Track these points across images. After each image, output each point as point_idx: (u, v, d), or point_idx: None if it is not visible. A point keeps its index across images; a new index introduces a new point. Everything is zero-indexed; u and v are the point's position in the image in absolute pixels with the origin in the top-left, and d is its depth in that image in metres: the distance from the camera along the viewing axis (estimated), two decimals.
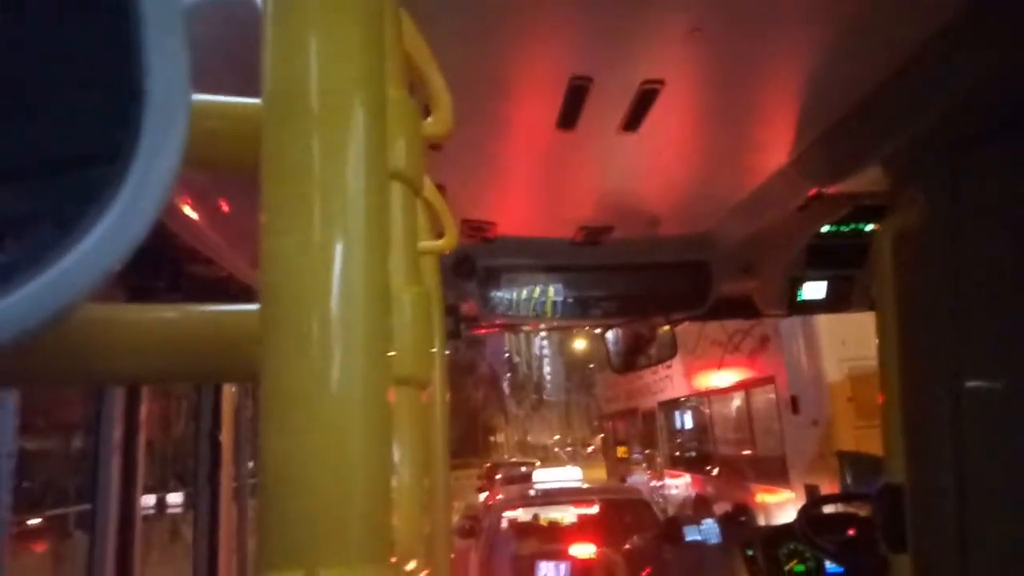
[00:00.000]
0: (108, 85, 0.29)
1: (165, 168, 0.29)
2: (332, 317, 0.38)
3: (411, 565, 0.44)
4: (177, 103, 0.29)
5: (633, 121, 1.54)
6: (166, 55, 0.28)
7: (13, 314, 0.25)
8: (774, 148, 1.78)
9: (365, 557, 0.37)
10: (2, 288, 0.25)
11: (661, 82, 1.39)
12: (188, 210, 1.70)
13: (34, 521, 9.12)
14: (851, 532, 2.88)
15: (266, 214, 0.41)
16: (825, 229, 2.36)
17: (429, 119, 0.58)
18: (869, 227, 2.36)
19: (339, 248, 0.39)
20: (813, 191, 1.91)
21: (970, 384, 1.48)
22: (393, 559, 0.39)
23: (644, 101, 1.45)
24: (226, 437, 2.75)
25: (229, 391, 2.83)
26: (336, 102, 0.41)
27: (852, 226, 2.38)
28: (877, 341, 1.67)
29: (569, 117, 1.50)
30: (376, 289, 0.40)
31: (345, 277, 0.39)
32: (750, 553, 3.02)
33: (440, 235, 1.07)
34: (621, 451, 17.44)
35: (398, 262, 0.45)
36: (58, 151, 0.30)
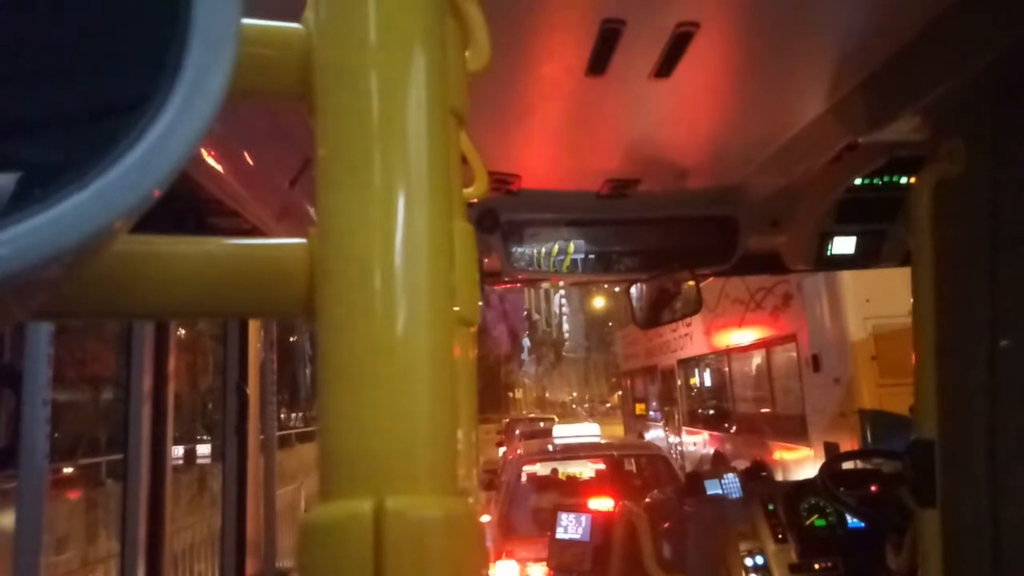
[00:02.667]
0: (151, 11, 0.28)
1: (211, 90, 0.27)
2: (396, 254, 0.37)
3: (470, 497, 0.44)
4: (227, 20, 0.27)
5: (665, 67, 1.49)
6: None
7: (52, 230, 0.24)
8: (811, 95, 1.72)
9: (433, 487, 0.37)
10: (40, 205, 0.24)
11: (696, 25, 1.34)
12: (211, 160, 1.69)
13: (68, 469, 9.43)
14: (873, 488, 2.88)
15: (322, 149, 0.39)
16: (857, 182, 2.31)
17: (466, 53, 0.56)
18: (903, 180, 2.30)
19: (402, 186, 0.38)
20: (849, 141, 1.86)
21: (1006, 340, 1.45)
22: (459, 488, 0.39)
23: (678, 45, 1.40)
24: (252, 389, 2.79)
25: (255, 345, 2.86)
26: (396, 32, 0.39)
27: (885, 179, 2.32)
28: (912, 295, 1.64)
29: (599, 63, 1.46)
30: (440, 223, 0.39)
31: (408, 214, 0.38)
32: (771, 508, 3.04)
33: (468, 183, 1.05)
34: (639, 408, 17.57)
35: None
36: (97, 73, 0.28)
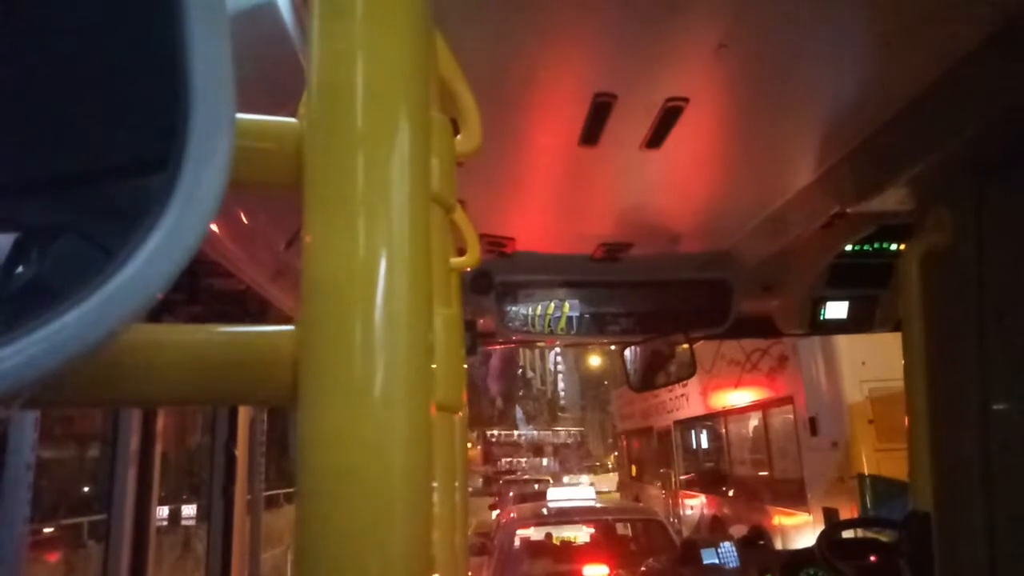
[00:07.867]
0: (152, 98, 0.28)
1: (212, 185, 0.28)
2: (376, 338, 0.38)
3: None
4: (223, 114, 0.28)
5: (656, 138, 1.52)
6: (212, 65, 0.27)
7: (49, 345, 0.24)
8: (799, 166, 1.76)
9: None
10: (45, 318, 0.24)
11: (686, 100, 1.38)
12: None
13: (48, 529, 9.16)
14: (873, 558, 2.82)
15: (309, 233, 0.40)
16: (848, 248, 2.34)
17: (458, 136, 0.57)
18: (893, 247, 2.33)
19: (383, 269, 0.39)
20: (837, 210, 1.89)
21: (999, 407, 1.45)
22: None
23: (668, 118, 1.44)
24: (241, 451, 2.74)
25: (245, 407, 2.83)
26: (382, 122, 0.41)
27: (875, 246, 2.35)
28: (903, 362, 1.64)
29: (592, 134, 1.49)
30: (419, 312, 0.40)
31: (389, 299, 0.38)
32: None
33: (462, 251, 1.07)
34: (635, 469, 17.31)
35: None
36: (96, 163, 0.29)
